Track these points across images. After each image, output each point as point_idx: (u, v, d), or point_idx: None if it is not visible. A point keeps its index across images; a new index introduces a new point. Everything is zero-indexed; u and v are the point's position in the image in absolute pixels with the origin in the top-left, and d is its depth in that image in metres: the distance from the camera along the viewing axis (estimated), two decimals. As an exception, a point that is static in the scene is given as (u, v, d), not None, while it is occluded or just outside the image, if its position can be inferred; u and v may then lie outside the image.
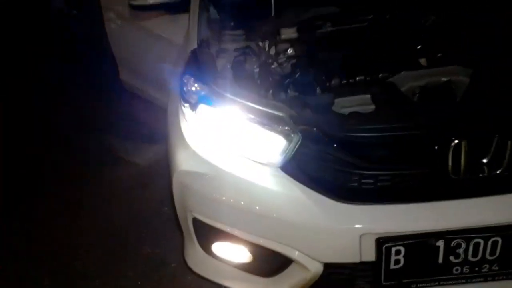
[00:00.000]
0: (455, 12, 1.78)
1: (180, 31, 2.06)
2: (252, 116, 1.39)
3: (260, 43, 1.80)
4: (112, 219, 2.35)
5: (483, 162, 1.24)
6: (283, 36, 1.82)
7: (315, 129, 1.33)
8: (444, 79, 1.43)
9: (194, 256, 1.66)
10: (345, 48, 1.71)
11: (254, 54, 1.74)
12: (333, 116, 1.41)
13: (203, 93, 1.47)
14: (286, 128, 1.35)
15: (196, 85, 1.51)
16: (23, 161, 2.85)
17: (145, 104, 2.81)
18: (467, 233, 1.27)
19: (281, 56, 1.76)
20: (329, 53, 1.71)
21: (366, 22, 1.82)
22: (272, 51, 1.80)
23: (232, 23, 1.90)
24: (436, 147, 1.24)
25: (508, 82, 1.36)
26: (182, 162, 1.51)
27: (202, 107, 1.47)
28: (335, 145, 1.32)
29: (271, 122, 1.36)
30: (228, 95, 1.42)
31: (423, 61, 1.66)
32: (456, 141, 1.21)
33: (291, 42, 1.81)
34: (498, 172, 1.25)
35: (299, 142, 1.34)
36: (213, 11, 1.99)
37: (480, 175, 1.25)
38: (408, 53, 1.67)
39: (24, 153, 2.92)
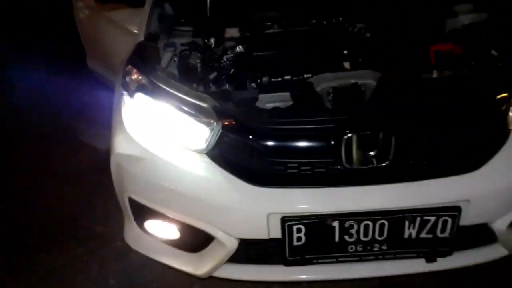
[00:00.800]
0: (380, 22, 1.97)
1: (137, 22, 2.19)
2: (180, 106, 1.55)
3: (206, 40, 1.97)
4: (68, 200, 2.49)
5: (371, 155, 1.42)
6: (226, 35, 1.98)
7: (233, 120, 1.51)
8: (353, 81, 1.62)
9: (132, 233, 1.82)
10: (279, 50, 1.88)
11: (198, 49, 1.90)
12: (252, 110, 1.57)
13: (141, 82, 1.63)
14: (209, 118, 1.52)
15: (136, 75, 1.67)
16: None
17: (111, 91, 2.96)
18: (358, 216, 1.45)
19: (222, 52, 1.92)
20: (264, 53, 1.87)
21: (301, 27, 2.01)
22: (215, 47, 1.95)
23: (182, 20, 2.06)
24: (332, 141, 1.43)
25: (404, 89, 1.55)
26: (119, 145, 1.66)
27: (138, 95, 1.62)
28: (250, 136, 1.50)
29: (196, 112, 1.53)
30: (162, 85, 1.58)
31: (347, 64, 1.83)
32: (347, 136, 1.40)
33: (233, 40, 1.97)
34: (384, 164, 1.43)
35: (220, 131, 1.51)
36: (168, 7, 2.14)
37: (370, 166, 1.43)
38: (335, 57, 1.84)
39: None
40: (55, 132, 3.09)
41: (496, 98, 1.50)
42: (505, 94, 1.50)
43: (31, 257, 2.16)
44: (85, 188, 2.57)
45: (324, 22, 2.02)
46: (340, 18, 2.01)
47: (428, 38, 1.84)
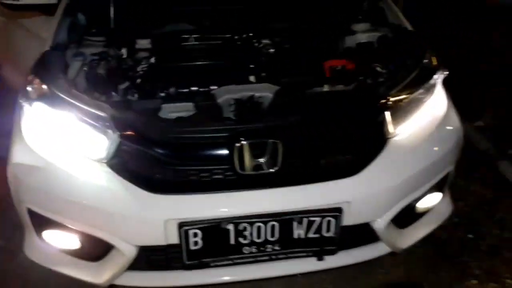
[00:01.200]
0: (283, 39, 2.12)
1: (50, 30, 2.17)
2: (80, 115, 1.57)
3: (117, 50, 1.99)
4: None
5: (261, 162, 1.53)
6: (137, 46, 2.03)
7: (131, 129, 1.56)
8: (251, 93, 1.73)
9: (31, 245, 1.79)
10: (188, 62, 1.96)
11: (108, 59, 1.92)
12: (150, 119, 1.62)
13: (42, 92, 1.63)
14: (107, 128, 1.56)
15: (38, 84, 1.66)
16: None
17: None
18: (251, 218, 1.56)
19: (132, 63, 1.95)
20: (173, 64, 1.95)
21: (212, 41, 2.11)
22: (125, 57, 1.98)
23: (94, 30, 2.07)
24: (226, 148, 1.52)
25: (294, 101, 1.69)
26: (17, 155, 1.65)
27: (38, 104, 1.62)
28: (148, 145, 1.56)
29: (95, 121, 1.56)
30: (61, 95, 1.60)
31: (252, 78, 1.94)
32: (239, 143, 1.50)
33: (144, 51, 2.01)
34: (273, 170, 1.55)
35: (118, 140, 1.56)
36: (80, 17, 2.14)
37: (260, 172, 1.55)
38: (241, 70, 1.95)
39: None
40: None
41: (373, 110, 1.67)
42: (381, 106, 1.67)
43: None
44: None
45: (236, 37, 2.14)
46: (251, 34, 2.13)
47: (324, 55, 2.01)
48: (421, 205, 1.84)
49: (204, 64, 1.99)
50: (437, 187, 1.84)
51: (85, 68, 1.89)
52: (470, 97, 3.50)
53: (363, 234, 1.74)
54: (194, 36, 2.10)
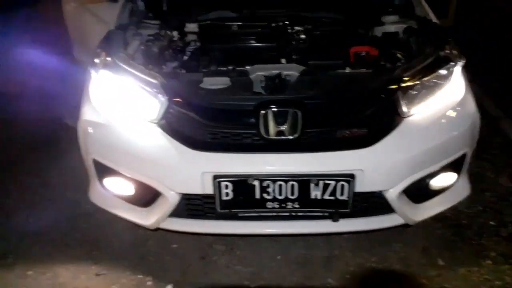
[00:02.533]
0: (314, 27, 2.39)
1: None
2: (136, 82, 1.91)
3: (169, 32, 2.35)
4: (47, 173, 2.83)
5: (283, 128, 1.78)
6: (186, 29, 2.39)
7: (178, 95, 1.88)
8: (279, 71, 2.00)
9: (95, 191, 2.16)
10: (229, 45, 2.28)
11: (161, 39, 2.29)
12: (193, 88, 1.94)
13: (106, 62, 1.99)
14: (158, 92, 1.88)
15: (103, 56, 2.03)
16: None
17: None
18: (273, 177, 1.81)
19: (181, 43, 2.31)
20: (216, 46, 2.28)
21: (251, 28, 2.43)
22: (176, 38, 2.35)
23: (150, 14, 2.46)
24: (252, 116, 1.79)
25: (315, 79, 1.94)
26: (85, 114, 2.01)
27: (103, 72, 1.98)
28: (191, 109, 1.86)
29: (147, 87, 1.89)
30: (122, 65, 1.94)
31: (284, 60, 2.23)
32: (263, 112, 1.77)
33: (191, 34, 2.37)
34: (294, 136, 1.80)
35: (166, 104, 1.88)
36: (140, 3, 2.55)
37: (282, 137, 1.80)
38: (274, 53, 2.25)
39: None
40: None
41: (387, 90, 1.87)
42: (395, 87, 1.87)
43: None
44: (66, 161, 2.89)
45: (272, 25, 2.44)
46: (286, 22, 2.42)
47: (351, 42, 2.25)
48: (436, 183, 2.00)
49: (243, 46, 2.30)
50: (452, 167, 1.99)
51: (142, 47, 2.25)
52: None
53: (377, 203, 1.93)
54: (236, 23, 2.43)
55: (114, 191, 2.08)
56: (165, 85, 1.87)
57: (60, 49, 3.88)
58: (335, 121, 1.85)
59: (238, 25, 2.43)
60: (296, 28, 2.36)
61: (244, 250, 2.23)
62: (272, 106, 1.78)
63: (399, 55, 2.12)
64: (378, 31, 2.37)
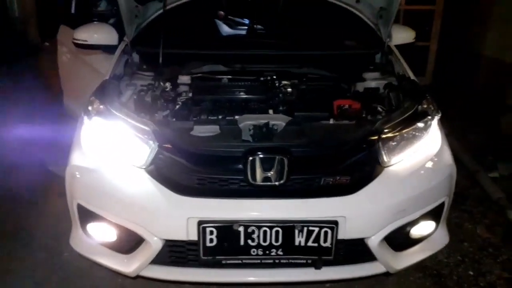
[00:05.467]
0: (300, 82, 2.51)
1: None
2: (127, 128, 1.96)
3: (161, 83, 2.43)
4: (29, 219, 2.80)
5: (269, 174, 1.84)
6: (179, 81, 2.48)
7: (168, 142, 1.93)
8: (266, 121, 2.09)
9: (76, 237, 2.13)
10: (220, 96, 2.38)
11: (154, 90, 2.36)
12: (182, 135, 1.99)
13: (100, 109, 2.04)
14: (149, 139, 1.92)
15: (96, 104, 2.08)
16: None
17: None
18: (259, 223, 1.83)
19: (173, 93, 2.39)
20: (207, 96, 2.37)
21: (241, 81, 2.53)
22: (169, 89, 2.41)
23: (144, 66, 2.55)
24: (240, 162, 1.85)
25: (302, 129, 2.03)
26: (75, 159, 2.04)
27: (95, 119, 2.03)
28: (180, 155, 1.91)
29: (139, 133, 1.93)
30: (114, 111, 2.00)
31: (271, 111, 2.32)
32: (251, 158, 1.83)
33: (183, 85, 2.46)
34: (280, 182, 1.85)
35: (156, 150, 1.92)
36: (135, 55, 2.64)
37: (268, 183, 1.85)
38: (263, 104, 2.35)
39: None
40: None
41: (369, 140, 1.96)
42: (376, 138, 1.96)
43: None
44: (47, 209, 2.86)
45: (261, 79, 2.55)
46: (274, 77, 2.54)
47: (334, 96, 2.37)
48: (416, 231, 2.06)
49: (233, 97, 2.39)
50: (431, 216, 2.06)
51: (134, 96, 2.32)
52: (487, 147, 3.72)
53: (359, 251, 1.96)
54: (227, 76, 2.54)
55: (96, 237, 2.06)
56: (156, 132, 1.92)
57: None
58: (319, 168, 1.91)
59: (228, 78, 2.53)
60: (284, 82, 2.48)
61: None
62: (259, 152, 1.84)
63: (380, 109, 2.24)
64: (360, 86, 2.51)
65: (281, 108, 2.31)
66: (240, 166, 1.86)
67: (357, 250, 1.96)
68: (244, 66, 2.63)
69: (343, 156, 1.94)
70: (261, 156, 1.83)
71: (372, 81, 2.53)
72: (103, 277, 2.33)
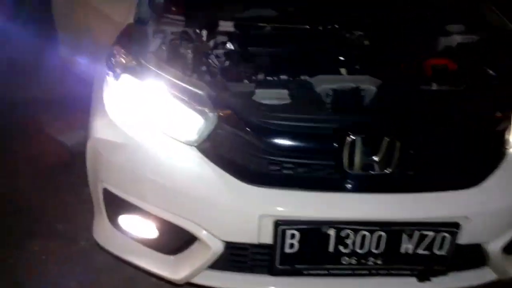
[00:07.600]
0: (379, 32, 1.94)
1: (121, 10, 2.07)
2: (173, 91, 1.43)
3: (198, 31, 1.86)
4: (29, 195, 2.29)
5: (374, 160, 1.35)
6: (220, 28, 1.88)
7: (231, 112, 1.41)
8: (353, 85, 1.55)
9: (102, 229, 1.66)
10: (275, 48, 1.81)
11: (189, 39, 1.80)
12: (250, 102, 1.47)
13: (129, 64, 1.51)
14: (205, 107, 1.41)
15: (124, 55, 1.54)
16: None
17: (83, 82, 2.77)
18: (356, 225, 1.36)
19: (215, 45, 1.82)
20: (260, 49, 1.79)
21: (299, 29, 1.95)
22: (208, 39, 1.85)
23: (174, 8, 1.94)
24: (334, 142, 1.35)
25: (404, 97, 1.51)
26: (98, 130, 1.52)
27: (125, 77, 1.50)
28: (247, 130, 1.39)
29: (190, 99, 1.42)
30: (153, 68, 1.47)
31: (343, 70, 1.76)
32: (351, 138, 1.32)
33: (227, 34, 1.87)
34: (387, 171, 1.36)
35: (215, 122, 1.41)
36: None
37: (372, 172, 1.36)
38: (332, 61, 1.78)
39: None
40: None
41: (495, 116, 1.48)
42: (503, 114, 1.48)
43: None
44: (52, 183, 2.36)
45: (320, 28, 1.97)
46: (336, 26, 1.96)
47: (423, 52, 1.82)
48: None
49: (291, 52, 1.82)
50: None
51: (163, 47, 1.75)
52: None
53: (473, 256, 1.52)
54: (279, 22, 1.93)
55: (129, 232, 1.58)
56: (214, 98, 1.40)
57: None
58: (436, 153, 1.42)
59: (282, 26, 1.94)
60: (356, 32, 1.90)
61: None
62: (362, 131, 1.33)
63: (490, 72, 1.70)
64: (447, 41, 1.94)
65: (357, 67, 1.76)
66: (333, 148, 1.36)
67: (470, 256, 1.52)
68: (301, 9, 2.03)
69: (464, 136, 1.45)
70: (365, 136, 1.33)
71: (459, 35, 1.96)
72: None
